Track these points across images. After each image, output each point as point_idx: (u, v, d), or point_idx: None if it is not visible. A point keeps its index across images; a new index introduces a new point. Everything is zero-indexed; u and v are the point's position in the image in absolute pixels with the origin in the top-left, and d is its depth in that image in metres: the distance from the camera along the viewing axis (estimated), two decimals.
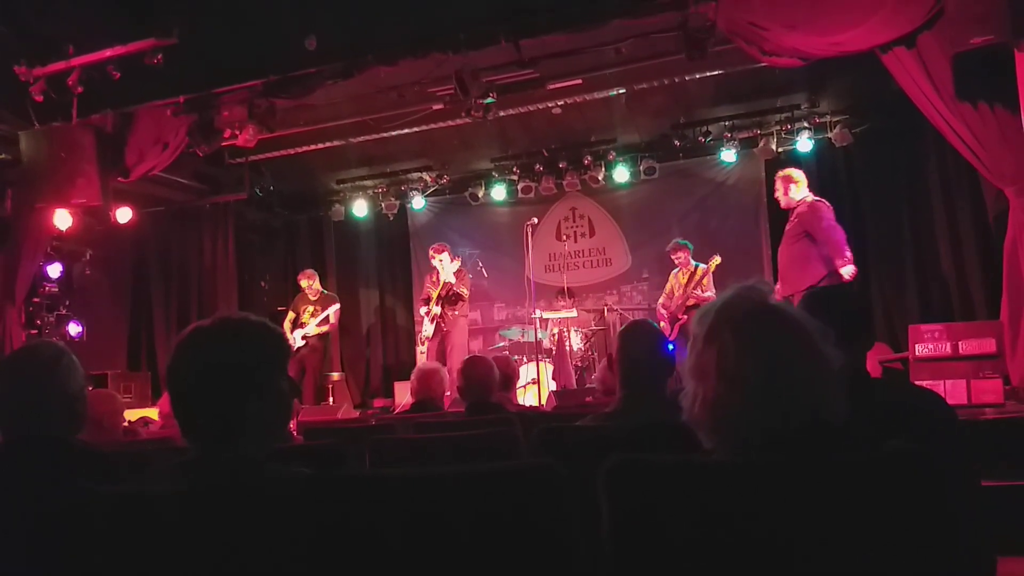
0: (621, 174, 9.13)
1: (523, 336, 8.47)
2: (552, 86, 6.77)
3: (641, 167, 9.08)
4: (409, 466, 2.58)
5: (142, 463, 2.44)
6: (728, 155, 8.72)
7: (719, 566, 1.22)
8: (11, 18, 5.96)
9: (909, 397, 2.26)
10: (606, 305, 9.20)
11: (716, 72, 6.79)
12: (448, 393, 4.76)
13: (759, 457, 1.29)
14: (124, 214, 7.93)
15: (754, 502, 1.23)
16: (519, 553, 1.34)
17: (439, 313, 7.98)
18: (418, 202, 9.93)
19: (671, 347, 2.69)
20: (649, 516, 1.26)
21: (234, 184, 8.86)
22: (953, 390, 4.58)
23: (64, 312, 7.92)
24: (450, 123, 7.47)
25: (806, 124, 8.31)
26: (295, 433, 4.60)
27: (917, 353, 5.00)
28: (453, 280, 7.89)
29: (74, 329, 7.94)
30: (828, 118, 8.28)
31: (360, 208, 9.99)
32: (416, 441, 2.95)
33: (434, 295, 8.03)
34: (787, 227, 6.01)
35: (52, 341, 2.59)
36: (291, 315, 8.71)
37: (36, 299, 7.60)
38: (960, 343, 4.89)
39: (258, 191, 9.59)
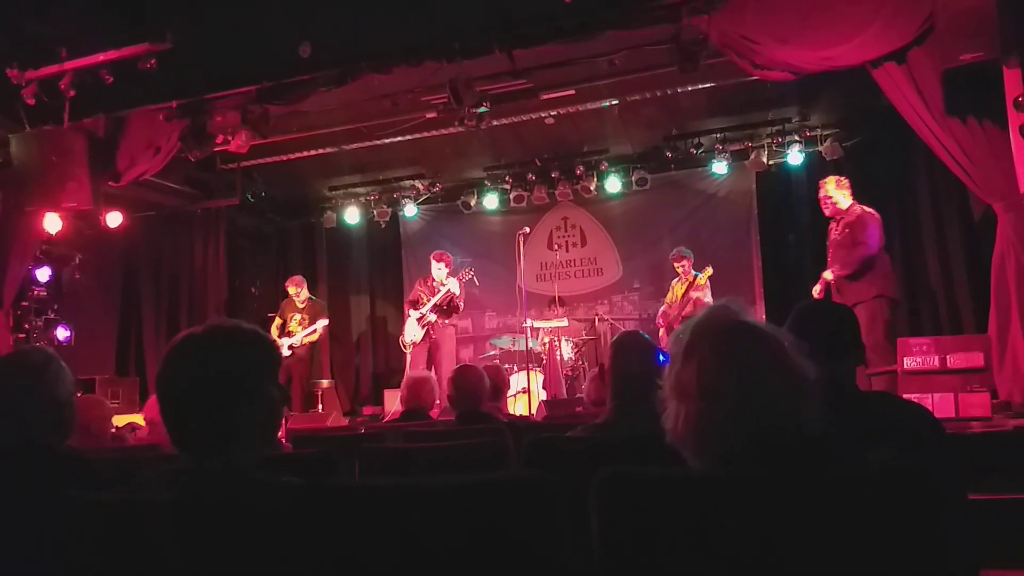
0: (613, 184, 9.16)
1: (514, 345, 8.48)
2: (545, 96, 6.79)
3: (633, 178, 9.11)
4: (399, 476, 2.58)
5: (130, 470, 2.43)
6: (719, 167, 8.78)
7: None
8: (4, 21, 5.94)
9: (898, 411, 2.27)
10: (597, 315, 9.23)
11: (708, 85, 6.83)
12: (438, 402, 4.75)
13: (747, 471, 1.29)
14: (114, 218, 7.90)
15: (745, 516, 1.23)
16: (511, 564, 1.34)
17: (433, 321, 7.97)
18: (410, 210, 9.93)
19: (663, 357, 2.70)
20: (639, 528, 1.27)
21: (226, 190, 8.84)
22: (941, 403, 4.60)
23: (52, 316, 7.86)
24: (443, 131, 7.48)
25: (797, 137, 8.37)
26: (284, 441, 4.58)
27: (905, 366, 5.03)
28: (457, 291, 7.89)
29: (62, 334, 7.88)
30: (819, 131, 8.34)
31: (352, 215, 9.99)
32: (406, 451, 2.94)
33: (427, 301, 8.01)
34: (834, 237, 6.02)
35: (41, 347, 2.57)
36: (278, 321, 8.68)
37: (24, 303, 7.55)
38: (948, 357, 4.92)
39: (250, 197, 9.56)
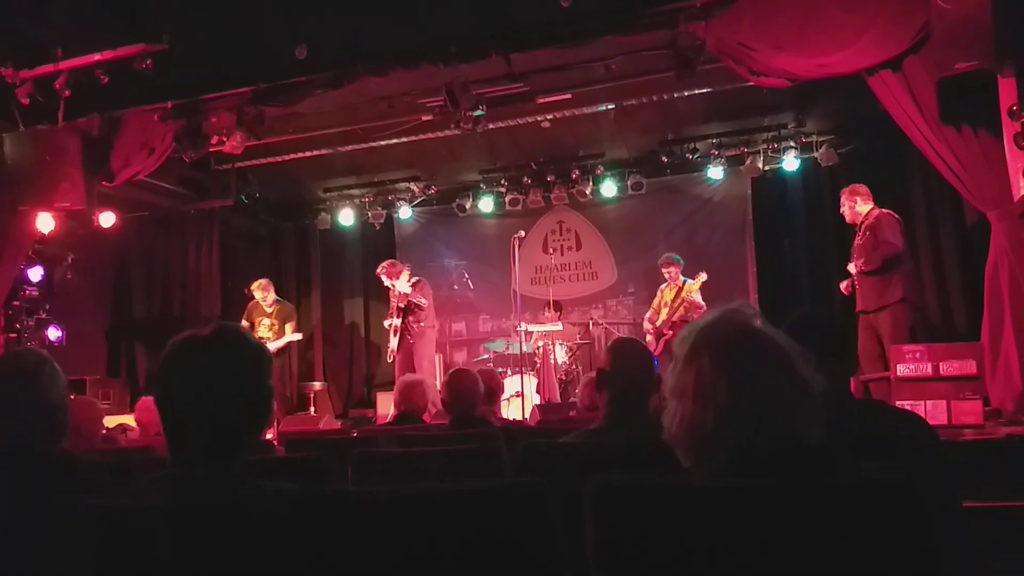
0: (609, 189, 9.17)
1: (508, 349, 8.47)
2: (542, 100, 6.80)
3: (629, 182, 9.12)
4: (393, 481, 2.57)
5: (122, 474, 2.42)
6: (715, 172, 8.79)
7: None
8: None
9: (891, 419, 2.28)
10: (591, 319, 9.23)
11: (704, 90, 6.84)
12: (431, 405, 4.74)
13: (738, 478, 1.29)
14: (107, 218, 7.86)
15: (739, 525, 1.23)
16: (505, 571, 1.34)
17: (399, 325, 7.97)
18: (405, 212, 9.92)
19: (654, 363, 2.70)
20: (634, 537, 1.27)
21: (220, 190, 8.81)
22: (934, 411, 4.61)
23: (44, 316, 7.81)
24: (439, 134, 7.48)
25: (792, 143, 8.40)
26: (275, 443, 4.57)
27: (898, 373, 5.04)
28: (409, 291, 7.90)
29: (53, 334, 7.84)
30: (814, 138, 8.37)
31: (346, 217, 9.97)
32: (400, 455, 2.93)
33: (394, 308, 8.04)
34: (857, 243, 6.02)
35: (34, 349, 2.55)
36: (244, 324, 8.28)
37: (16, 303, 7.51)
38: (941, 364, 4.92)
39: (244, 198, 9.54)
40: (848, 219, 6.15)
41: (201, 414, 1.45)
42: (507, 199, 9.50)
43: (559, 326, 8.55)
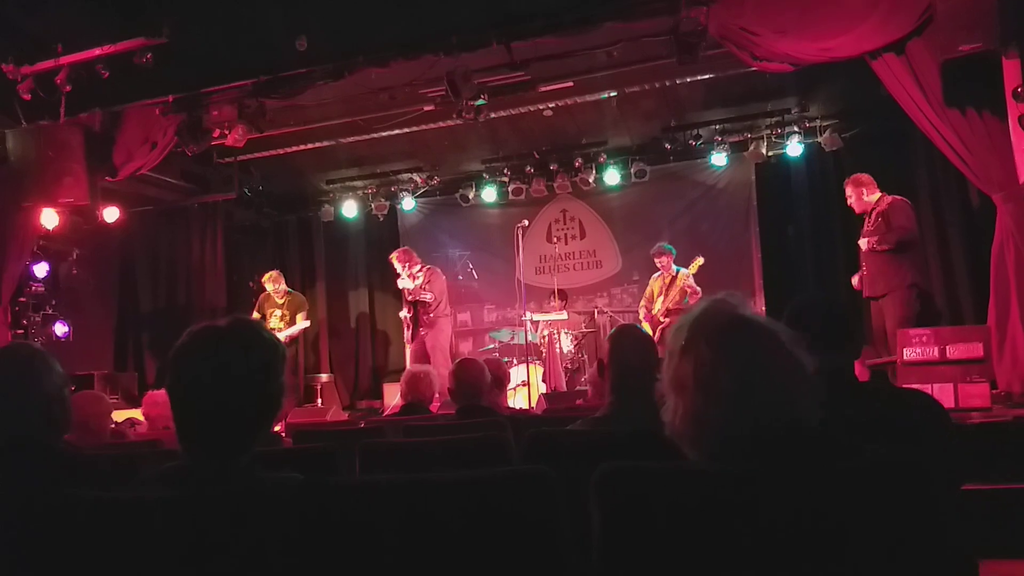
0: (612, 177, 9.15)
1: (513, 338, 8.48)
2: (544, 88, 6.77)
3: (632, 170, 9.10)
4: (400, 471, 2.58)
5: (128, 466, 2.43)
6: (719, 159, 8.76)
7: (708, 573, 1.22)
8: None
9: (900, 399, 2.28)
10: (596, 307, 9.22)
11: (707, 76, 6.81)
12: (437, 395, 4.75)
13: (747, 464, 1.29)
14: (111, 213, 7.87)
15: (745, 510, 1.23)
16: (511, 558, 1.34)
17: (410, 316, 8.01)
18: (408, 203, 9.93)
19: (655, 349, 2.69)
20: (640, 523, 1.27)
21: (223, 184, 8.81)
22: (941, 394, 4.59)
23: (50, 312, 7.85)
24: (441, 124, 7.46)
25: (796, 128, 8.36)
26: (283, 435, 4.58)
27: (905, 357, 5.03)
28: (410, 285, 7.96)
29: (60, 329, 7.88)
30: (818, 122, 8.33)
31: (350, 209, 9.97)
32: (407, 445, 2.94)
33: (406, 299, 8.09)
34: (867, 229, 6.00)
35: (25, 342, 2.55)
36: (256, 316, 8.45)
37: (22, 299, 7.54)
38: (948, 347, 4.91)
39: (247, 191, 9.56)
40: (857, 210, 6.12)
41: (213, 405, 1.45)
42: (510, 188, 9.48)
43: (564, 315, 8.55)
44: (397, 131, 7.59)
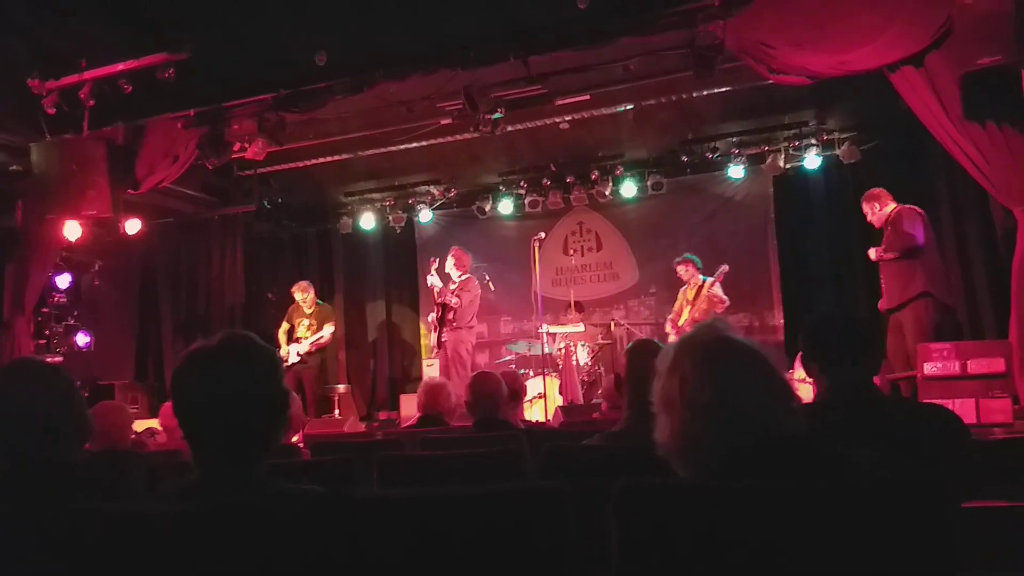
0: (628, 189, 9.14)
1: (529, 350, 8.47)
2: (560, 102, 6.80)
3: (648, 182, 9.09)
4: (417, 483, 2.59)
5: (151, 477, 2.45)
6: (736, 171, 8.74)
7: None
8: (25, 32, 6.03)
9: (919, 413, 2.27)
10: (613, 320, 9.21)
11: (724, 89, 6.81)
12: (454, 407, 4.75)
13: (764, 481, 1.30)
14: (133, 225, 7.97)
15: (763, 526, 1.23)
16: (527, 573, 1.35)
17: (437, 318, 7.95)
18: (425, 215, 9.97)
19: None
20: (658, 538, 1.27)
21: (243, 196, 8.91)
22: (962, 409, 4.55)
23: (72, 322, 7.95)
24: (458, 137, 7.51)
25: (814, 141, 8.33)
26: (302, 447, 4.60)
27: (926, 372, 4.99)
28: (439, 283, 7.89)
29: (82, 339, 7.97)
30: (836, 135, 8.29)
31: (368, 221, 10.04)
32: (424, 458, 2.95)
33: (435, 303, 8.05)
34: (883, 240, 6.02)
35: (30, 357, 2.55)
36: (285, 326, 8.63)
37: (45, 309, 7.64)
38: (969, 362, 4.87)
39: (267, 203, 9.64)
40: (876, 224, 6.15)
41: (217, 421, 1.49)
42: (527, 201, 9.50)
43: (581, 327, 8.54)
44: (415, 144, 7.63)
